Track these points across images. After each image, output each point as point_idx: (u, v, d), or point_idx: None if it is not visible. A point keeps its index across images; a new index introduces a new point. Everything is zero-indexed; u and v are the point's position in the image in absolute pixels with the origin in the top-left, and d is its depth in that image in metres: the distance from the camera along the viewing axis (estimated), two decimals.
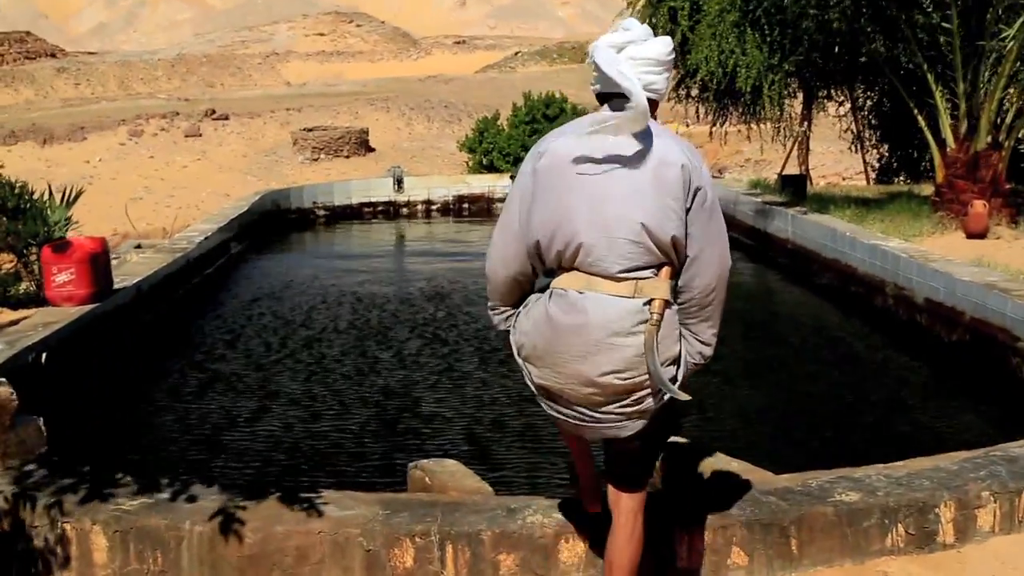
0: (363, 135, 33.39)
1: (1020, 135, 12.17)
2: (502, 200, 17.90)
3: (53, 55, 74.50)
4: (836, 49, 14.07)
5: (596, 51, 3.40)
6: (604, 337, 3.33)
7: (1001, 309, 7.84)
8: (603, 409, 3.44)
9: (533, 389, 3.61)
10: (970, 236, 10.79)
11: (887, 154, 20.28)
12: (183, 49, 75.82)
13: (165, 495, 4.34)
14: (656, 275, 3.37)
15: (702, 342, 3.55)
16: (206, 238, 12.18)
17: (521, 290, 3.66)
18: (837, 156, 26.60)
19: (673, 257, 3.38)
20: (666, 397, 3.41)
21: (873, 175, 20.75)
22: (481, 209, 18.16)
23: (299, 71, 69.49)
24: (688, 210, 3.39)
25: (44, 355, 7.09)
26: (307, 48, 78.37)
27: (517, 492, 5.51)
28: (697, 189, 3.40)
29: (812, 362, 8.62)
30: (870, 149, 20.60)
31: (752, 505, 4.23)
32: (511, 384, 7.63)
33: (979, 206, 10.85)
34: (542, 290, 3.55)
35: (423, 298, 10.95)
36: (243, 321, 10.15)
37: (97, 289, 8.38)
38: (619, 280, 3.34)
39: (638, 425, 3.46)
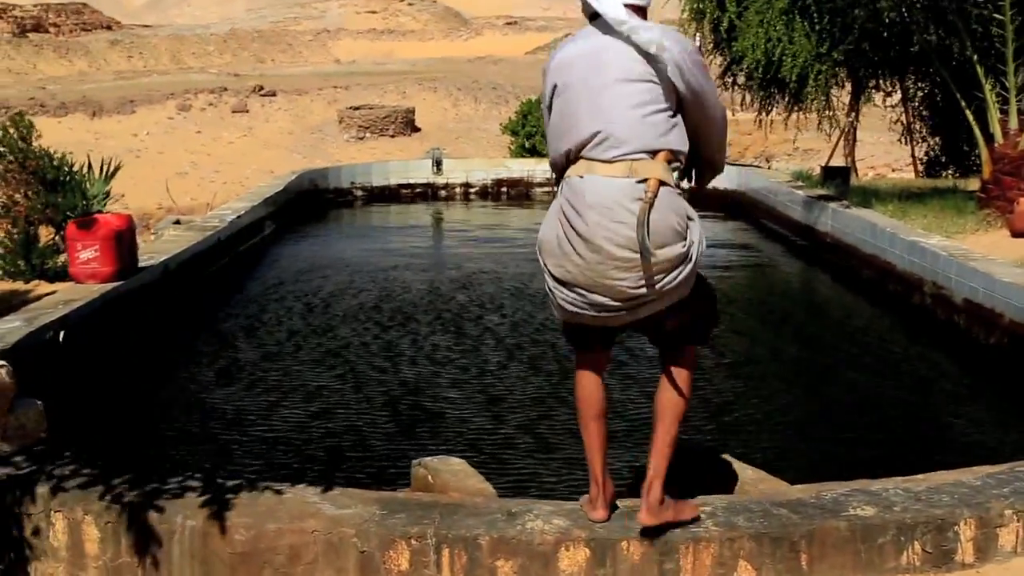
0: (409, 115, 33.28)
1: None
2: (541, 185, 17.91)
3: (109, 27, 75.05)
4: (887, 39, 13.79)
5: None
6: (601, 215, 3.70)
7: None
8: (609, 285, 3.75)
9: (550, 285, 3.93)
10: (1015, 235, 10.47)
11: (937, 147, 19.87)
12: (236, 24, 76.15)
13: (159, 487, 4.26)
14: (652, 158, 3.73)
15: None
16: (238, 216, 12.13)
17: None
18: (887, 147, 26.11)
19: (672, 145, 3.78)
20: (682, 275, 3.79)
21: (922, 168, 20.35)
22: (520, 193, 17.98)
23: (349, 49, 69.45)
24: (678, 93, 3.78)
25: (62, 333, 7.06)
26: (358, 26, 78.32)
27: (527, 492, 5.39)
28: (681, 70, 3.74)
29: (840, 363, 8.39)
30: (920, 141, 20.20)
31: (762, 517, 4.08)
32: (533, 384, 7.49)
33: None
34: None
35: (453, 287, 10.79)
36: (266, 305, 10.06)
37: (121, 267, 8.35)
38: (613, 163, 3.73)
39: (658, 305, 3.82)
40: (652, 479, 3.94)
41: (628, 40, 3.72)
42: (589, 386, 4.07)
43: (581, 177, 3.76)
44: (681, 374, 4.01)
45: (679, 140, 3.81)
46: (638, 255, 3.66)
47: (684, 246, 3.77)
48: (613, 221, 3.68)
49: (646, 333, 4.19)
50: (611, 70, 3.76)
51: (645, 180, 3.67)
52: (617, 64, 3.75)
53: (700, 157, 4.03)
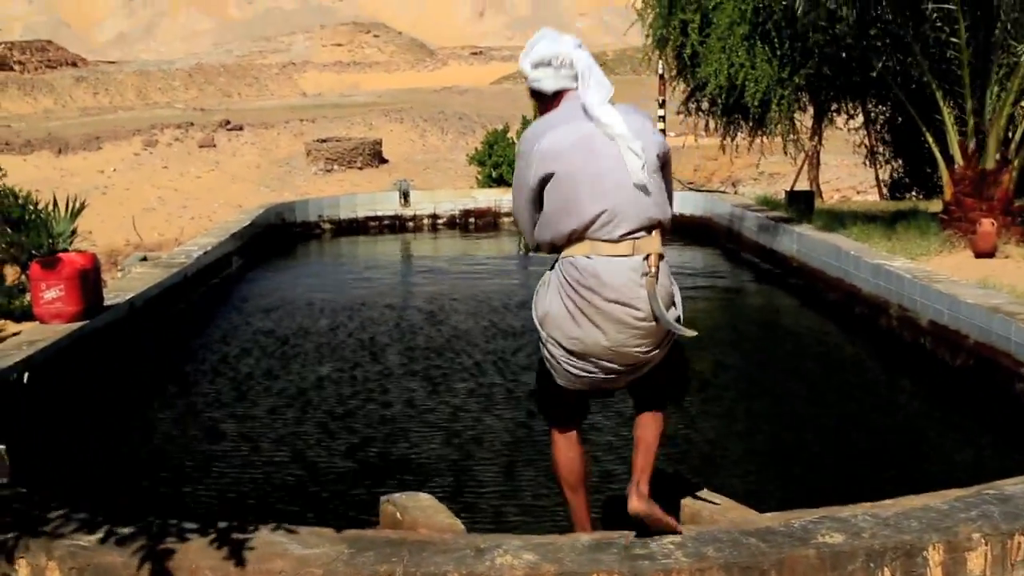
0: (376, 146, 33.34)
1: None
2: (508, 214, 17.89)
3: (74, 64, 74.84)
4: (847, 63, 13.91)
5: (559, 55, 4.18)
6: (618, 293, 4.02)
7: (1005, 333, 7.65)
8: (625, 352, 4.12)
9: (558, 355, 4.21)
10: (978, 255, 10.59)
11: (901, 169, 20.05)
12: (201, 59, 76.08)
13: (124, 531, 4.20)
14: (649, 234, 4.08)
15: None
16: (205, 252, 12.06)
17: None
18: (851, 169, 26.38)
19: (667, 215, 4.18)
20: (674, 335, 4.19)
21: (886, 190, 20.51)
22: (487, 223, 18.00)
23: (316, 81, 69.55)
24: (662, 168, 4.20)
25: (27, 375, 6.98)
26: (324, 58, 78.51)
27: (500, 527, 5.37)
28: (666, 151, 4.23)
29: (810, 387, 8.43)
30: (883, 164, 20.38)
31: (732, 547, 4.06)
32: (501, 420, 7.46)
33: (987, 225, 10.64)
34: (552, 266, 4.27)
35: (422, 320, 10.76)
36: (233, 342, 9.99)
37: (87, 306, 8.28)
38: (619, 242, 4.03)
39: (655, 363, 4.22)
40: (640, 475, 4.18)
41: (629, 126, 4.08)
42: (571, 454, 4.37)
43: (588, 257, 4.04)
44: (659, 415, 4.40)
45: (668, 209, 4.20)
46: (654, 324, 4.06)
47: (677, 309, 4.24)
48: (630, 297, 4.01)
49: (634, 392, 4.45)
50: (607, 155, 4.05)
51: (648, 256, 4.04)
52: (612, 150, 4.05)
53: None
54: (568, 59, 4.15)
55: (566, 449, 4.41)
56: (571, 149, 4.05)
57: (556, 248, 4.17)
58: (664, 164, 4.19)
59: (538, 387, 4.59)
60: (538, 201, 4.18)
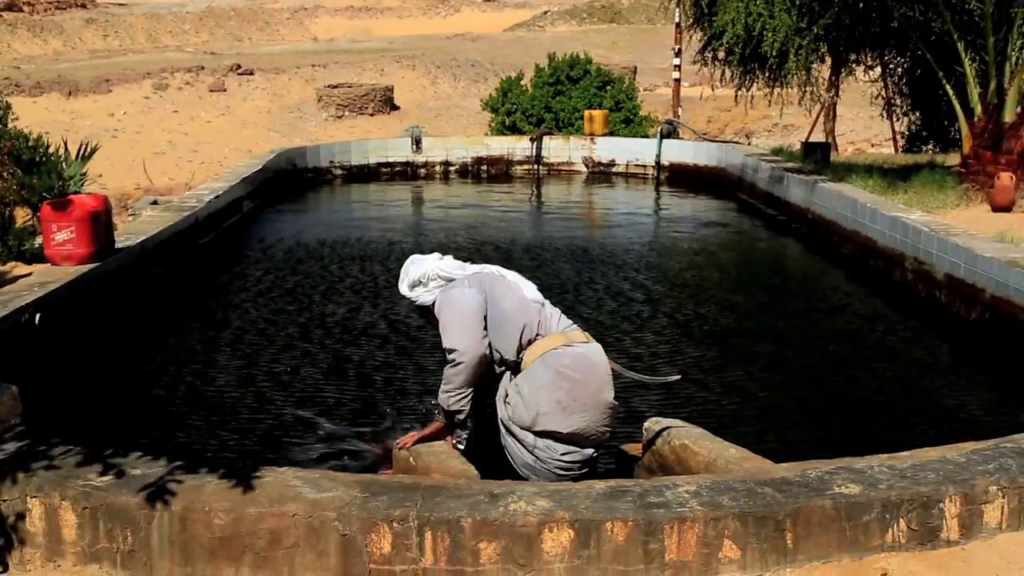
0: (388, 93, 33.04)
1: None
2: (521, 163, 17.82)
3: (83, 6, 74.25)
4: (867, 13, 13.70)
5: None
6: (600, 376, 4.87)
7: (1023, 287, 7.58)
8: (607, 426, 4.92)
9: (549, 449, 4.83)
10: (996, 209, 10.49)
11: (918, 122, 19.84)
12: (212, 2, 75.42)
13: (137, 471, 4.19)
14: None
15: None
16: (216, 196, 12.01)
17: (482, 371, 4.88)
18: (867, 122, 26.11)
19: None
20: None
21: (902, 143, 20.31)
22: (500, 172, 17.90)
23: (327, 27, 68.90)
24: None
25: (38, 316, 6.97)
26: (336, 3, 77.65)
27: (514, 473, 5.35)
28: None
29: (824, 339, 8.38)
30: (901, 117, 20.16)
31: (747, 496, 4.05)
32: None
33: (1005, 178, 10.53)
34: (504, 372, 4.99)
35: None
36: (244, 284, 9.97)
37: (97, 248, 8.25)
38: (578, 331, 5.02)
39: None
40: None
41: None
42: None
43: (569, 345, 4.87)
44: None
45: None
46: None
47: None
48: (607, 375, 4.90)
49: None
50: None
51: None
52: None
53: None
54: (433, 274, 5.02)
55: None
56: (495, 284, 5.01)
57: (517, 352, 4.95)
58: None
59: None
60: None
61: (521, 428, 4.81)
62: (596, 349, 4.91)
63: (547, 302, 5.05)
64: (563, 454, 4.79)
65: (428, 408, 6.00)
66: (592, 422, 4.79)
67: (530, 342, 4.85)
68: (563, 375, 4.74)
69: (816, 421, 6.61)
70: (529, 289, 5.04)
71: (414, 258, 5.16)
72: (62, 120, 27.28)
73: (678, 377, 5.12)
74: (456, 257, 5.26)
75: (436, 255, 5.16)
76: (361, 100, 32.10)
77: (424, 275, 5.03)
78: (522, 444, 4.84)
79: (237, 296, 9.58)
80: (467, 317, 4.84)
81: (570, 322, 5.01)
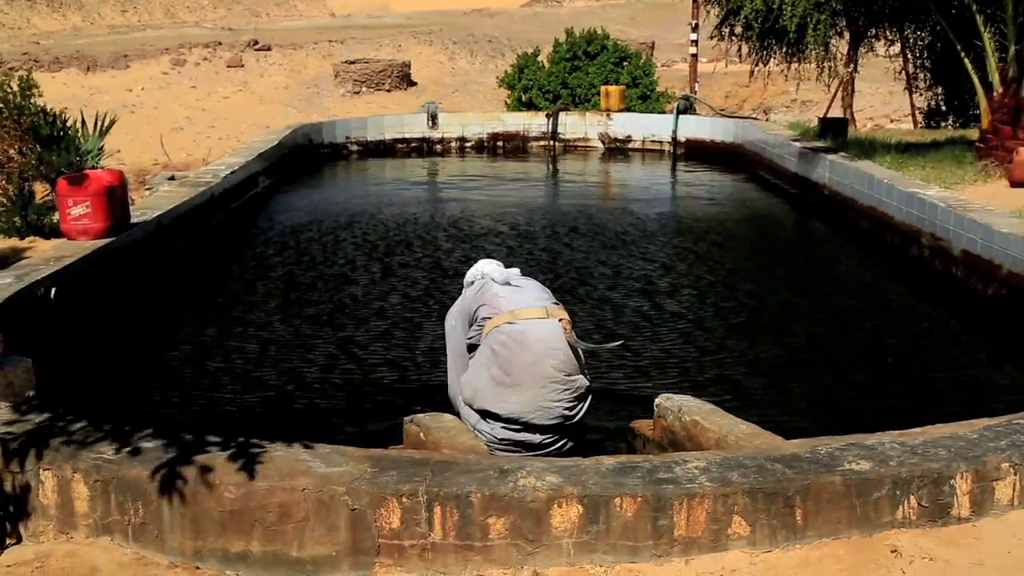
0: (405, 68, 32.94)
1: None
2: (537, 138, 17.77)
3: None
4: None
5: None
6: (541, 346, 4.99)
7: None
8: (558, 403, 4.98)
9: (490, 429, 4.98)
10: (1014, 185, 10.38)
11: (938, 97, 19.67)
12: None
13: (149, 445, 4.21)
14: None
15: None
16: (232, 172, 12.02)
17: None
18: (885, 97, 25.92)
19: None
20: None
21: (921, 119, 20.15)
22: (516, 148, 17.86)
23: (344, 2, 68.79)
24: None
25: (54, 290, 7.00)
26: None
27: None
28: None
29: (838, 315, 8.35)
30: (921, 91, 20.00)
31: (757, 472, 4.03)
32: None
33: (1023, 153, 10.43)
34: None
35: (446, 239, 10.70)
36: (260, 260, 9.99)
37: (113, 223, 8.28)
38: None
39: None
40: None
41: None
42: None
43: (511, 324, 4.99)
44: None
45: None
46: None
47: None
48: (551, 349, 4.98)
49: None
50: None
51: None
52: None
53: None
54: (478, 274, 5.41)
55: None
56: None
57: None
58: None
59: None
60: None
61: (466, 405, 5.08)
62: (542, 325, 4.98)
63: (531, 281, 5.35)
64: (502, 439, 4.96)
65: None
66: (534, 399, 4.90)
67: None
68: (495, 352, 4.93)
69: (825, 397, 6.59)
70: (528, 292, 5.27)
71: (482, 264, 5.58)
72: (80, 95, 27.30)
73: (620, 343, 5.90)
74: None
75: (485, 261, 5.59)
76: (378, 76, 32.01)
77: (471, 276, 5.52)
78: (467, 422, 5.03)
79: (253, 270, 9.60)
80: (451, 352, 5.42)
81: (545, 300, 5.17)
